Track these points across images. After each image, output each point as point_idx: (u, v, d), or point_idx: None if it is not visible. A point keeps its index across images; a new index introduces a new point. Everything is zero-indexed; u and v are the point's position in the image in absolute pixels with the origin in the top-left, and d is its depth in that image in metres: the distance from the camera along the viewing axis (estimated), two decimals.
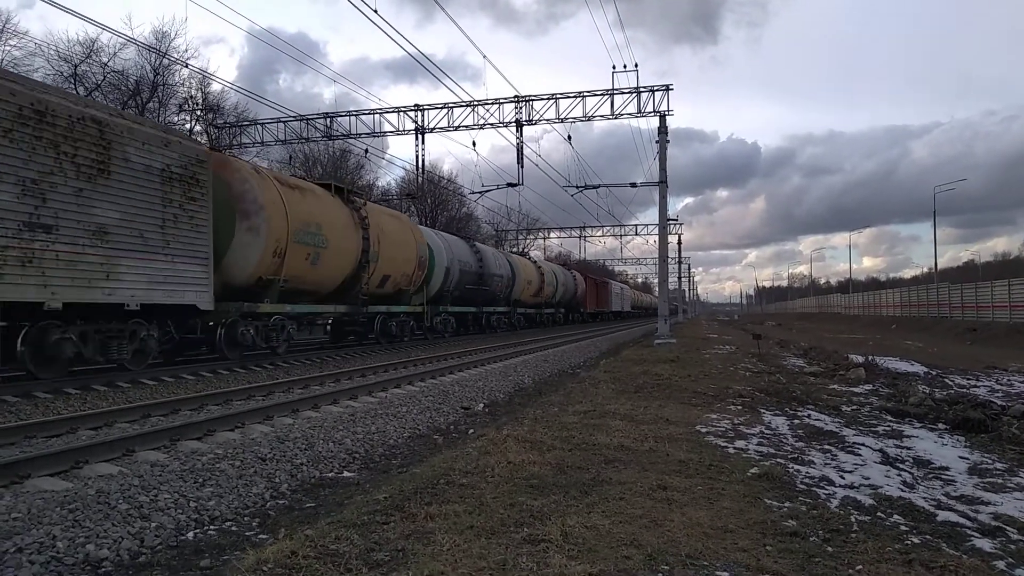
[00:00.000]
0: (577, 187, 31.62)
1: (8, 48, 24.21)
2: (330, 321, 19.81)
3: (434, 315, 23.67)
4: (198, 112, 30.92)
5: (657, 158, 26.45)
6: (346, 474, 6.30)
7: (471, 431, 8.25)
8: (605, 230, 58.74)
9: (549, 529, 3.75)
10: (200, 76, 30.02)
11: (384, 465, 6.66)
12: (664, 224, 27.74)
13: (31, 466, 5.24)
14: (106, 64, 26.33)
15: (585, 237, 61.92)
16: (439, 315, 24.24)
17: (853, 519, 4.22)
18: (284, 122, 29.42)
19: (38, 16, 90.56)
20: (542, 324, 39.40)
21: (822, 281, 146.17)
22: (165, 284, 11.40)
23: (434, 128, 28.85)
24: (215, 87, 32.08)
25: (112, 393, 9.75)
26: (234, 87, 55.75)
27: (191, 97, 30.54)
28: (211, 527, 4.71)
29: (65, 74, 25.19)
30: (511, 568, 3.24)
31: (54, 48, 25.81)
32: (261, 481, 5.66)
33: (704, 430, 7.03)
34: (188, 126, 30.01)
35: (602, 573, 3.18)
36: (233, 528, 4.72)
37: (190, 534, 4.55)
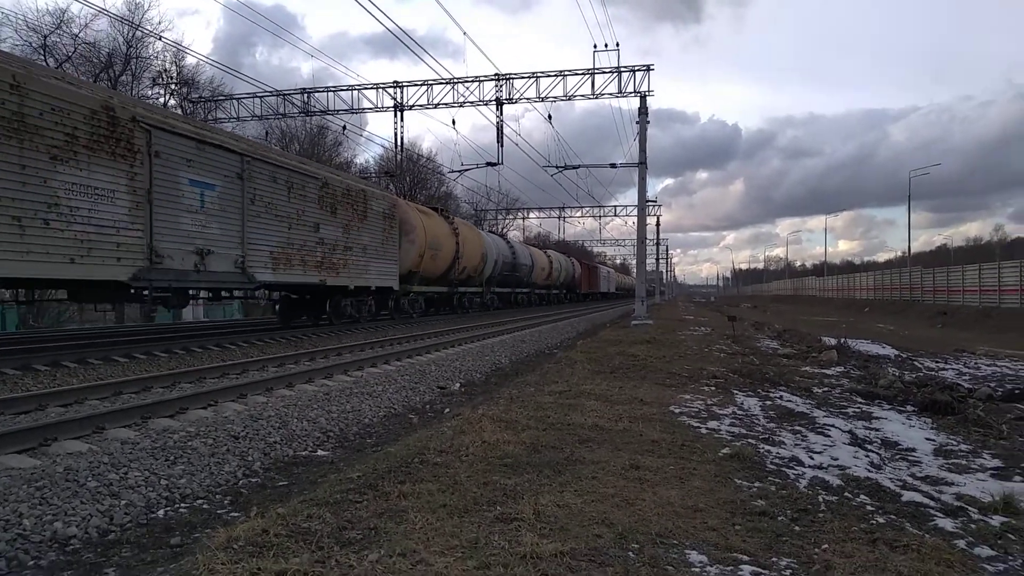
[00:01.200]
0: (557, 167, 31.53)
1: None
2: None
3: (487, 294, 32.83)
4: (172, 86, 30.32)
5: (637, 139, 26.44)
6: (320, 453, 6.29)
7: (447, 410, 8.26)
8: (584, 211, 58.95)
9: (521, 508, 3.77)
10: (174, 49, 29.43)
11: (358, 444, 6.66)
12: (643, 205, 27.78)
13: None
14: (77, 36, 25.65)
15: (564, 218, 62.04)
16: (490, 294, 33.39)
17: (821, 499, 4.29)
18: (260, 97, 28.98)
19: None
20: (550, 302, 47.87)
21: (798, 264, 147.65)
22: (383, 275, 20.01)
23: (413, 106, 28.60)
24: (190, 60, 31.56)
25: (82, 370, 9.62)
26: (209, 61, 54.77)
27: (165, 70, 29.91)
28: (182, 505, 4.69)
29: (34, 45, 24.53)
30: (483, 546, 3.25)
31: (22, 18, 25.14)
32: (234, 459, 5.63)
33: (678, 411, 7.09)
34: (162, 100, 29.42)
35: (573, 551, 3.21)
36: (204, 506, 4.70)
37: (160, 512, 4.53)
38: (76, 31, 25.61)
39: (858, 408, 8.34)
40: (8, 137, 8.85)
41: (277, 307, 20.13)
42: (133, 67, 28.06)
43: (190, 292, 13.53)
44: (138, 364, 10.46)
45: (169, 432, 5.95)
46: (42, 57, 24.24)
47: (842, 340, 16.19)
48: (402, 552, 3.15)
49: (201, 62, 44.06)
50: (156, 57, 29.48)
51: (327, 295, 18.59)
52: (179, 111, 28.03)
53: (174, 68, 30.11)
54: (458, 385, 10.44)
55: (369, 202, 19.01)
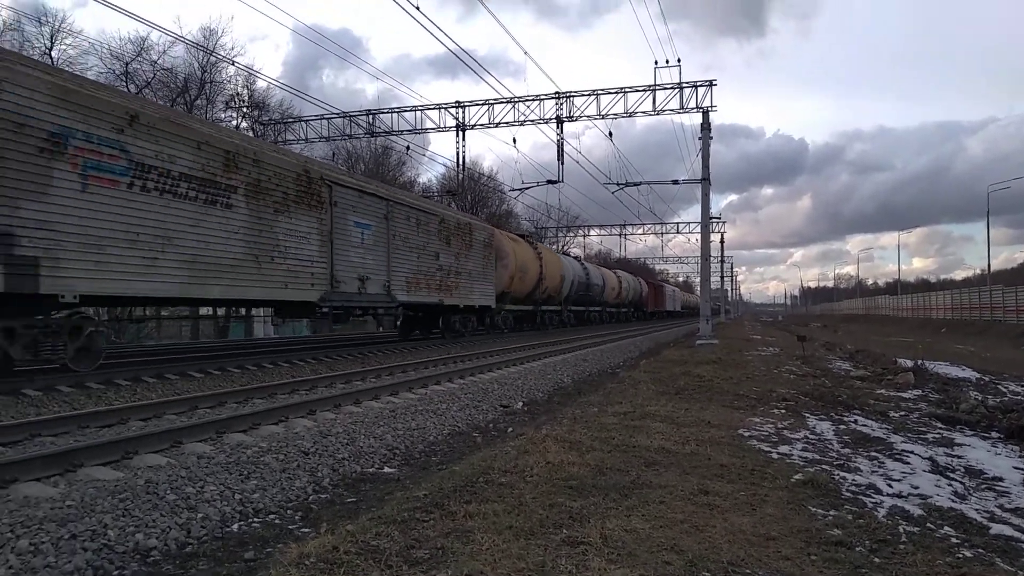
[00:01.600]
0: (618, 184, 31.42)
1: (64, 47, 24.93)
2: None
3: (565, 312, 36.06)
4: (244, 109, 31.45)
5: (700, 155, 26.14)
6: (387, 470, 6.36)
7: (510, 430, 8.26)
8: (646, 228, 58.35)
9: (588, 531, 3.73)
10: (246, 73, 30.56)
11: (424, 462, 6.71)
12: (706, 222, 27.40)
13: (84, 455, 5.40)
14: (155, 62, 26.93)
15: (625, 235, 61.57)
16: (567, 312, 36.60)
17: (901, 529, 4.11)
18: (327, 119, 29.81)
19: (92, 15, 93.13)
20: (619, 320, 50.28)
21: (869, 282, 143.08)
22: (484, 296, 23.30)
23: (475, 125, 28.95)
24: (260, 84, 32.66)
25: (161, 385, 10.00)
26: (279, 84, 56.68)
27: (237, 94, 31.09)
28: (255, 519, 4.80)
29: (117, 72, 25.84)
30: (550, 570, 3.23)
31: (107, 47, 26.51)
32: (304, 475, 5.74)
33: (747, 434, 6.92)
34: (234, 123, 30.56)
35: None
36: (276, 521, 4.81)
37: (235, 526, 4.65)
38: (155, 58, 26.88)
39: (938, 434, 7.98)
40: (251, 198, 12.24)
41: (398, 323, 23.66)
42: (207, 91, 29.24)
43: (355, 310, 16.34)
44: (212, 379, 10.81)
45: (243, 447, 6.12)
46: (124, 83, 25.50)
47: (919, 362, 15.55)
48: (469, 573, 3.15)
49: (271, 85, 45.61)
50: (229, 81, 30.68)
51: (440, 313, 21.93)
52: (250, 133, 29.06)
53: (246, 92, 31.26)
54: (521, 404, 10.44)
55: (473, 233, 22.71)
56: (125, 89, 23.89)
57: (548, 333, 29.53)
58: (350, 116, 29.94)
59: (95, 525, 4.13)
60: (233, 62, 27.83)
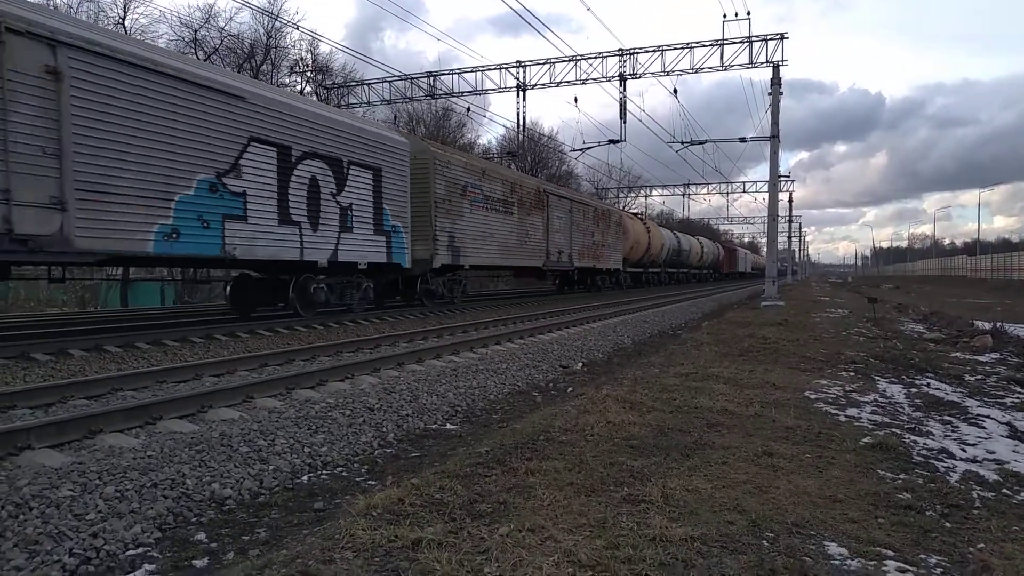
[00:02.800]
0: (682, 143, 30.78)
1: (136, 16, 25.64)
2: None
3: (663, 273, 44.25)
4: (308, 74, 31.82)
5: (769, 111, 25.29)
6: (449, 426, 6.48)
7: (570, 390, 8.29)
8: (711, 187, 57.07)
9: (649, 490, 3.74)
10: (310, 38, 30.85)
11: (485, 419, 6.81)
12: (775, 181, 26.58)
13: (162, 409, 5.65)
14: (223, 29, 27.43)
15: (689, 195, 60.36)
16: (664, 273, 44.60)
17: (975, 495, 3.99)
18: (389, 81, 29.96)
19: None
20: (701, 280, 56.37)
21: (946, 242, 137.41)
22: (615, 262, 31.51)
23: (535, 85, 28.64)
24: (323, 48, 32.94)
25: (232, 343, 10.36)
26: (341, 47, 57.04)
27: (301, 59, 31.45)
28: (323, 472, 4.97)
29: (186, 39, 26.44)
30: (611, 526, 3.25)
31: (176, 15, 27.10)
32: (369, 430, 5.90)
33: (813, 396, 6.78)
34: (299, 87, 30.96)
35: (704, 536, 3.15)
36: (344, 473, 4.96)
37: (304, 478, 4.82)
38: (222, 24, 27.36)
39: (1018, 398, 7.65)
40: (519, 208, 21.40)
41: (557, 281, 30.56)
42: (273, 57, 29.69)
43: (558, 272, 26.41)
44: (280, 337, 11.15)
45: (311, 403, 6.31)
46: (193, 51, 26.07)
47: (998, 324, 14.87)
48: (531, 528, 3.20)
49: (334, 49, 46.05)
50: (293, 46, 31.09)
51: (591, 274, 30.13)
52: (314, 97, 29.40)
53: (309, 56, 31.58)
54: (580, 364, 10.45)
55: (611, 216, 31.44)
56: (194, 55, 24.43)
57: (643, 291, 35.09)
58: (411, 79, 29.99)
59: (174, 475, 4.34)
60: (297, 27, 28.31)
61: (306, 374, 7.39)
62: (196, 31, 26.68)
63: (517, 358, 9.89)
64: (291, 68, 31.27)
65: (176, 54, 13.37)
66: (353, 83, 31.59)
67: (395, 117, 34.84)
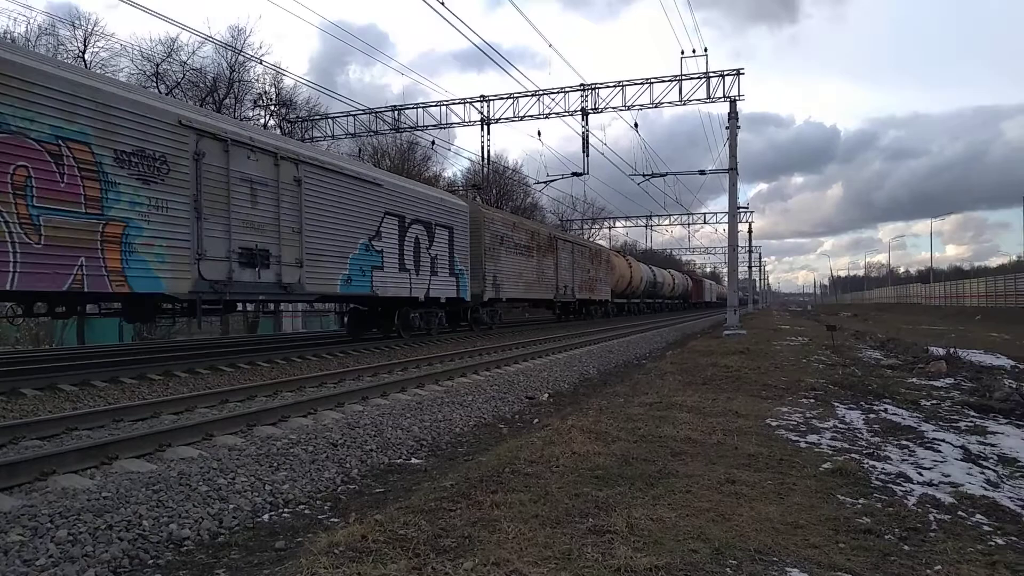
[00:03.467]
0: (644, 175, 31.30)
1: (96, 50, 25.34)
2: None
3: (641, 303, 49.44)
4: (272, 107, 31.76)
5: (727, 144, 25.88)
6: (414, 461, 6.42)
7: (536, 421, 8.29)
8: (672, 219, 57.93)
9: (614, 520, 3.75)
10: (274, 72, 30.86)
11: (450, 453, 6.76)
12: (734, 212, 27.13)
13: (118, 448, 5.51)
14: (185, 63, 27.26)
15: (652, 226, 61.17)
16: (642, 303, 49.70)
17: (932, 517, 4.07)
18: (353, 115, 30.01)
19: (123, 17, 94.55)
20: (670, 309, 60.63)
21: (901, 270, 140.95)
22: (605, 294, 36.68)
23: (499, 118, 28.95)
24: (288, 82, 32.92)
25: (192, 379, 10.17)
26: (305, 82, 57.09)
27: (265, 92, 31.38)
28: (285, 510, 4.88)
29: (147, 73, 26.22)
30: (576, 558, 3.25)
31: (137, 48, 26.93)
32: (333, 466, 5.82)
33: (775, 423, 6.88)
34: (263, 121, 30.87)
35: (668, 566, 3.16)
36: (306, 511, 4.88)
37: (266, 516, 4.73)
38: (184, 58, 27.21)
39: (971, 422, 7.85)
40: (535, 251, 25.69)
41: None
42: (236, 90, 29.57)
43: (567, 303, 30.60)
44: (242, 373, 10.98)
45: (272, 439, 6.21)
46: (155, 84, 25.87)
47: (951, 350, 15.27)
48: (496, 561, 3.18)
49: (298, 83, 46.03)
50: (257, 80, 30.97)
51: (587, 304, 34.36)
52: (278, 131, 29.31)
53: (273, 90, 31.53)
54: (546, 395, 10.45)
55: (600, 254, 36.59)
56: (156, 90, 24.25)
57: (606, 321, 36.60)
58: (376, 112, 30.12)
59: (130, 516, 4.23)
60: (261, 61, 28.20)
61: (268, 410, 7.28)
62: (158, 65, 26.52)
63: (483, 390, 9.86)
64: (254, 102, 31.17)
65: (347, 157, 20.34)
66: (317, 117, 31.61)
67: (360, 150, 34.86)
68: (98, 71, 21.62)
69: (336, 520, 4.60)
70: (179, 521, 4.34)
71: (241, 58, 28.28)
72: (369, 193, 15.05)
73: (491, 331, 22.88)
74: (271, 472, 5.40)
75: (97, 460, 5.30)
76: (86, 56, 24.56)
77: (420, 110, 29.73)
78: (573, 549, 3.35)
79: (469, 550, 3.36)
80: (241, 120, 25.10)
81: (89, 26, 24.97)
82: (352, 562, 3.19)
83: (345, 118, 30.24)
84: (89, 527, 3.99)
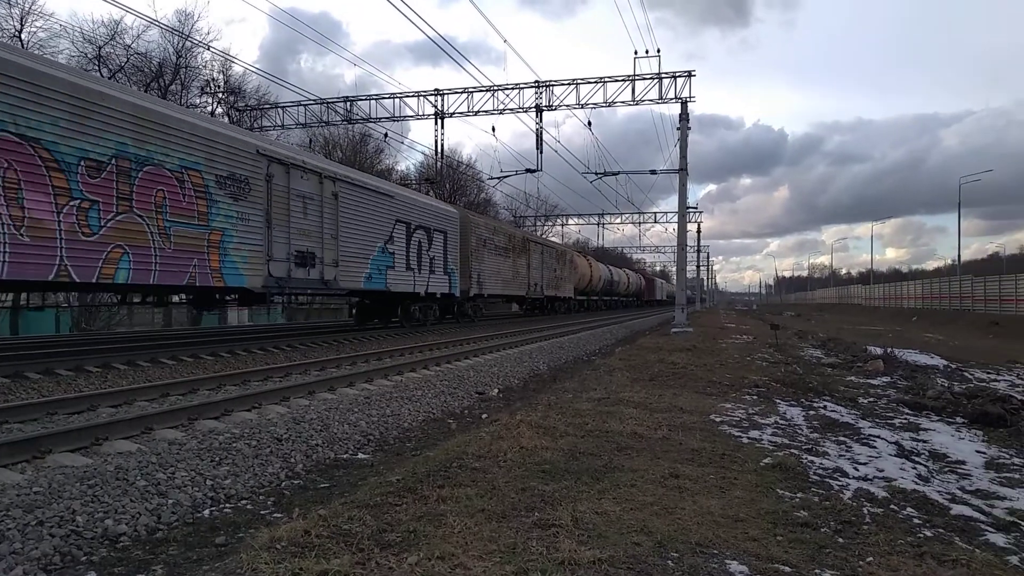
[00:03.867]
0: (596, 174, 31.57)
1: (34, 30, 24.38)
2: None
3: (599, 300, 51.41)
4: (220, 95, 31.02)
5: (678, 145, 26.27)
6: (360, 456, 6.36)
7: (484, 416, 8.29)
8: (624, 217, 58.59)
9: (560, 514, 3.77)
10: (222, 59, 30.15)
11: (398, 448, 6.72)
12: (683, 212, 27.58)
13: (52, 442, 5.33)
14: (129, 46, 26.42)
15: (603, 224, 61.76)
16: (601, 300, 51.85)
17: (866, 511, 4.20)
18: (304, 105, 29.53)
19: None
20: (625, 306, 62.75)
21: (843, 272, 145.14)
22: (568, 292, 39.06)
23: (454, 113, 28.83)
24: (237, 69, 32.15)
25: (132, 372, 9.88)
26: (255, 69, 55.99)
27: (213, 79, 30.64)
28: (227, 505, 4.79)
29: (89, 56, 25.33)
30: (521, 551, 3.26)
31: (78, 30, 26.00)
32: (277, 461, 5.73)
33: (718, 419, 7.01)
34: (210, 109, 30.14)
35: (611, 559, 3.20)
36: (248, 506, 4.79)
37: (206, 511, 4.63)
38: (129, 42, 26.39)
39: (905, 419, 8.14)
40: (512, 252, 28.01)
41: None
42: (182, 77, 28.81)
43: (540, 300, 33.81)
44: (185, 366, 10.71)
45: (215, 433, 6.08)
46: (97, 68, 25.03)
47: (888, 350, 15.81)
48: (441, 555, 3.18)
49: (247, 71, 45.00)
50: (204, 66, 30.23)
51: (552, 301, 36.89)
52: (226, 119, 28.66)
53: (221, 77, 30.82)
54: (496, 391, 10.47)
55: (566, 255, 39.39)
56: (99, 74, 23.46)
57: (566, 317, 37.45)
58: (327, 103, 29.69)
59: (63, 511, 4.09)
60: (209, 47, 27.50)
61: (210, 404, 7.12)
62: (100, 48, 25.65)
63: (432, 385, 9.82)
64: (202, 89, 30.44)
65: (368, 175, 20.68)
66: (267, 106, 31.04)
67: (311, 141, 34.32)
68: (36, 52, 20.81)
69: (279, 515, 4.53)
70: (115, 517, 4.22)
71: (188, 43, 27.60)
72: (384, 203, 17.66)
73: (475, 323, 25.21)
74: (213, 467, 5.28)
75: (28, 454, 5.11)
76: (23, 36, 23.65)
77: (373, 102, 29.43)
78: (518, 543, 3.37)
79: (414, 544, 3.35)
80: (188, 107, 24.47)
81: (26, 4, 24.02)
82: (294, 557, 3.14)
83: (296, 108, 29.75)
84: (18, 523, 3.85)
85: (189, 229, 11.00)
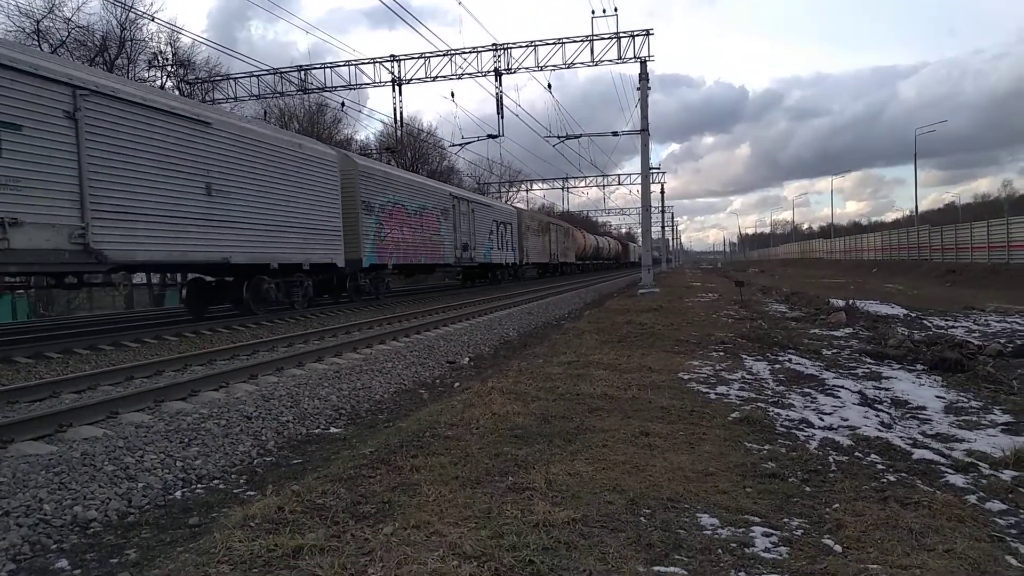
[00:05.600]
0: (559, 137, 31.38)
1: None
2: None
3: (588, 264, 59.46)
4: (168, 68, 30.09)
5: (639, 105, 26.22)
6: (332, 430, 6.34)
7: (456, 384, 8.31)
8: (588, 181, 58.52)
9: (533, 477, 3.81)
10: (169, 30, 29.22)
11: (370, 420, 6.71)
12: (646, 173, 27.63)
13: (14, 431, 5.20)
14: (69, 19, 25.43)
15: (568, 188, 61.68)
16: (587, 264, 59.04)
17: (831, 460, 4.31)
18: (257, 76, 28.81)
19: None
20: (605, 268, 70.14)
21: (805, 227, 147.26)
22: (572, 258, 50.46)
23: (411, 79, 28.39)
24: (185, 41, 31.23)
25: (95, 356, 9.69)
26: (205, 41, 54.36)
27: (160, 52, 29.68)
28: (199, 486, 4.74)
29: (27, 31, 24.34)
30: (496, 516, 3.29)
31: (13, 3, 24.93)
32: (247, 439, 5.68)
33: (686, 377, 7.11)
34: (159, 83, 29.25)
35: (585, 518, 3.24)
36: (221, 486, 4.76)
37: (178, 493, 4.58)
38: (69, 14, 25.38)
39: (867, 369, 8.34)
40: (543, 234, 40.41)
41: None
42: (128, 50, 27.85)
43: (559, 266, 45.78)
44: (149, 348, 10.54)
45: (182, 415, 6.00)
46: (36, 42, 24.07)
47: (850, 301, 16.14)
48: (416, 524, 3.19)
49: (196, 42, 43.73)
50: (151, 39, 29.28)
51: (564, 266, 46.04)
52: (176, 92, 27.87)
53: (169, 50, 29.87)
54: (467, 359, 10.48)
55: (570, 231, 47.20)
56: (38, 48, 22.58)
57: (558, 278, 43.07)
58: (281, 72, 29.00)
59: (29, 500, 4.02)
60: (154, 18, 26.51)
61: (177, 385, 7.01)
62: (39, 22, 24.64)
63: (403, 356, 9.80)
64: (149, 62, 29.48)
65: (481, 195, 31.18)
66: (218, 78, 30.20)
67: (265, 113, 33.57)
68: None
69: (253, 493, 4.50)
70: (84, 503, 4.15)
71: (132, 15, 26.65)
72: (486, 213, 29.59)
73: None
74: (182, 448, 5.22)
75: None
76: None
77: (328, 70, 28.80)
78: (493, 507, 3.39)
79: (389, 515, 3.36)
80: (136, 81, 23.73)
81: None
82: (269, 534, 3.13)
83: (248, 79, 28.99)
84: None
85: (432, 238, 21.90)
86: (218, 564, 2.86)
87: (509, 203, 57.37)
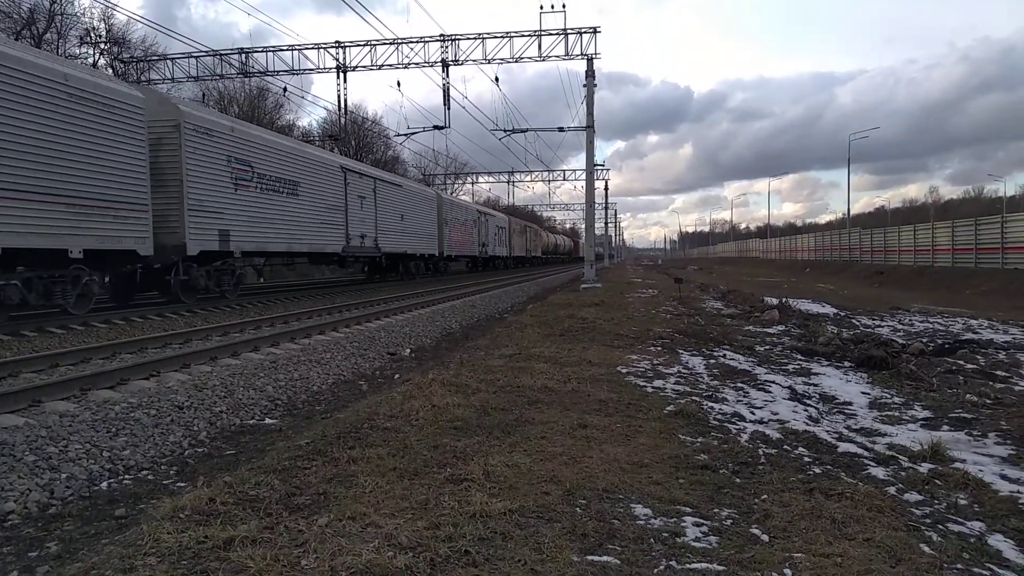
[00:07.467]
0: (505, 131, 31.40)
1: None
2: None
3: (546, 256, 68.65)
4: (102, 46, 28.96)
5: (585, 102, 26.41)
6: (268, 421, 6.23)
7: (397, 376, 8.26)
8: (534, 175, 58.69)
9: (471, 469, 3.81)
10: (103, 5, 28.10)
11: (307, 411, 6.62)
12: (591, 169, 27.87)
13: None
14: None
15: (514, 182, 61.74)
16: (545, 256, 67.40)
17: (761, 452, 4.44)
18: (196, 57, 27.94)
19: None
20: (561, 262, 76.40)
21: (743, 227, 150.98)
22: (535, 253, 62.73)
23: (356, 67, 27.97)
24: (120, 18, 30.10)
25: (16, 343, 9.29)
26: (141, 19, 52.45)
27: (93, 28, 28.55)
28: (126, 476, 4.61)
29: None
30: (433, 507, 3.28)
31: None
32: (179, 429, 5.54)
33: (625, 371, 7.22)
34: (91, 60, 28.12)
35: (522, 508, 3.27)
36: (149, 477, 4.63)
37: (104, 484, 4.45)
38: None
39: (798, 364, 8.61)
40: (523, 234, 56.02)
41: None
42: (58, 25, 26.73)
43: (532, 259, 60.86)
44: (75, 335, 10.15)
45: (110, 404, 5.81)
46: None
47: (784, 300, 16.62)
48: (352, 515, 3.16)
49: (132, 19, 42.16)
50: (83, 14, 28.14)
51: (533, 259, 58.40)
52: (110, 71, 26.85)
53: (103, 26, 28.77)
54: (409, 351, 10.42)
55: (539, 232, 61.88)
56: None
57: (527, 269, 50.94)
58: (221, 55, 28.19)
59: None
60: None
61: (104, 373, 6.78)
62: None
63: (342, 347, 9.68)
64: (81, 39, 28.32)
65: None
66: (155, 57, 29.18)
67: (204, 96, 32.63)
68: None
69: (183, 484, 4.40)
70: (1, 495, 3.99)
71: None
72: (428, 203, 30.51)
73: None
74: (109, 438, 5.06)
75: None
76: None
77: (271, 54, 28.14)
78: (430, 499, 3.39)
79: (324, 506, 3.32)
80: (66, 58, 22.73)
81: None
82: (199, 525, 3.05)
83: (187, 60, 28.10)
84: None
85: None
86: (145, 556, 2.78)
87: (455, 195, 57.31)
